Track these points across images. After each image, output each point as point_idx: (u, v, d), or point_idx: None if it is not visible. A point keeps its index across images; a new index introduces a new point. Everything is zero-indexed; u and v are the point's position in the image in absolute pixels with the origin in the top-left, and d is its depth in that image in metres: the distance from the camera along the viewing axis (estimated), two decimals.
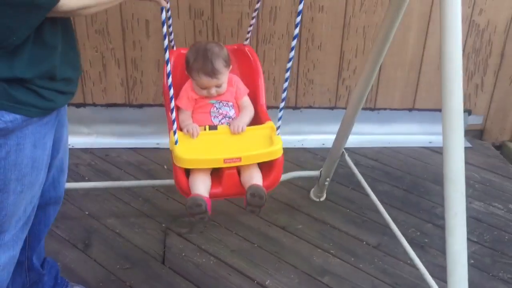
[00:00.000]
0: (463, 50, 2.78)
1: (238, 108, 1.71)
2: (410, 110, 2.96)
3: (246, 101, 1.72)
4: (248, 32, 1.84)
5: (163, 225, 2.18)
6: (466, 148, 1.27)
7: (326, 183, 2.32)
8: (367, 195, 2.05)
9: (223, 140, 1.58)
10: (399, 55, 2.77)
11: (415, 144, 2.93)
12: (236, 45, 1.85)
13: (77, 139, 2.76)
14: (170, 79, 1.43)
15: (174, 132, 1.51)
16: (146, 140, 2.80)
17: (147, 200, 2.33)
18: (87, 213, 2.24)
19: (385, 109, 2.94)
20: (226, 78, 1.67)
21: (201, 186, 1.50)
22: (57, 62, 1.15)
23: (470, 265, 1.33)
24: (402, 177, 2.62)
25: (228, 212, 2.28)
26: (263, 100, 1.74)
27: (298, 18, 1.37)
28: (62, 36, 1.16)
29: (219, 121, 1.66)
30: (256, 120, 1.68)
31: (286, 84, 1.49)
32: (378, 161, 2.76)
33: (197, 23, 2.60)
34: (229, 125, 1.62)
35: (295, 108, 2.89)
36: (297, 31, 1.38)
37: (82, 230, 2.13)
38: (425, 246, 2.12)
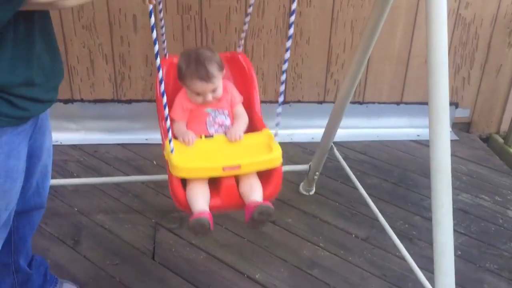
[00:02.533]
0: (450, 44, 2.80)
1: (233, 118, 1.66)
2: (398, 103, 2.98)
3: (241, 109, 1.67)
4: (241, 39, 1.81)
5: (153, 220, 2.18)
6: (453, 141, 1.29)
7: (315, 177, 2.33)
8: (356, 188, 2.07)
9: (221, 148, 1.52)
10: (386, 48, 2.78)
11: (403, 138, 2.95)
12: (229, 52, 1.80)
13: (65, 136, 2.74)
14: (162, 86, 1.36)
15: (170, 141, 1.45)
16: (135, 136, 2.79)
17: (137, 195, 2.33)
18: (76, 209, 2.23)
19: (373, 102, 2.95)
20: (221, 83, 1.62)
21: (201, 199, 1.43)
22: (35, 67, 1.08)
23: (457, 257, 1.35)
24: (391, 170, 2.64)
25: None
26: (258, 108, 1.69)
27: (292, 18, 1.32)
28: (40, 37, 1.09)
29: (215, 130, 1.62)
30: (251, 129, 1.64)
31: (282, 88, 1.49)
32: (366, 155, 2.78)
33: (184, 18, 2.59)
34: (226, 134, 1.57)
35: (284, 102, 2.89)
36: (291, 31, 1.35)
37: (71, 226, 2.12)
38: (413, 238, 2.15)
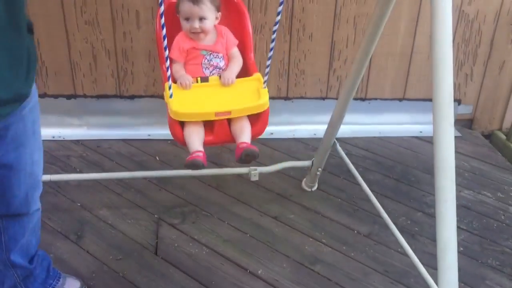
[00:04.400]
0: (453, 40, 2.77)
1: (228, 60, 1.77)
2: (400, 100, 2.98)
3: (235, 52, 1.78)
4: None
5: (156, 216, 2.19)
6: (455, 138, 1.29)
7: (318, 173, 2.33)
8: (358, 184, 2.07)
9: (215, 92, 1.67)
10: (389, 44, 2.78)
11: (405, 134, 2.95)
12: None
13: (68, 131, 2.75)
14: (164, 30, 1.42)
15: (169, 87, 1.58)
16: (138, 132, 2.79)
17: (139, 191, 2.33)
18: (79, 204, 2.23)
19: (375, 99, 2.95)
20: (212, 17, 1.70)
21: (196, 138, 1.61)
22: None
23: (459, 253, 1.35)
24: (393, 167, 2.64)
25: (220, 202, 2.28)
26: (251, 52, 1.80)
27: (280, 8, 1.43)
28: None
29: (210, 72, 1.74)
30: (245, 72, 1.76)
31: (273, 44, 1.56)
32: (369, 151, 2.78)
33: None
34: (220, 77, 1.70)
35: (286, 98, 2.89)
36: (278, 18, 1.46)
37: (74, 221, 2.13)
38: (415, 234, 2.15)
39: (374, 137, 2.91)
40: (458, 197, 1.30)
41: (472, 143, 2.92)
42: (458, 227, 1.33)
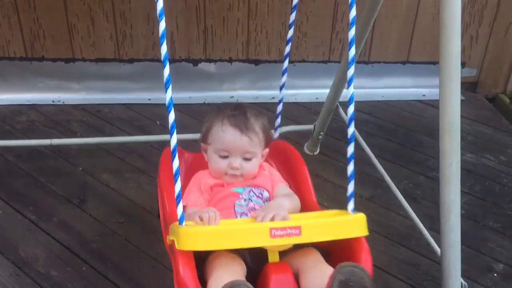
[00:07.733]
0: None
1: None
2: (404, 63, 2.93)
3: (286, 188, 1.26)
4: (277, 116, 1.53)
5: (157, 179, 2.18)
6: None
7: (320, 137, 2.32)
8: (361, 148, 2.06)
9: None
10: (393, 6, 2.71)
11: (408, 98, 2.92)
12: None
13: (68, 95, 2.72)
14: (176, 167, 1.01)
15: (178, 202, 1.03)
16: (138, 96, 2.77)
17: (141, 155, 2.32)
18: (80, 169, 2.23)
19: (379, 62, 2.91)
20: (259, 154, 1.23)
21: (231, 271, 0.99)
22: None
23: (461, 216, 1.35)
24: (396, 131, 2.63)
25: None
26: (313, 195, 1.33)
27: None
28: None
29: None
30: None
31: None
32: (371, 115, 2.76)
33: None
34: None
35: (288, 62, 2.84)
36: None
37: (76, 185, 2.13)
38: (417, 197, 2.15)
39: (377, 100, 2.88)
40: (460, 160, 1.30)
41: (475, 106, 2.90)
42: (460, 190, 1.32)
